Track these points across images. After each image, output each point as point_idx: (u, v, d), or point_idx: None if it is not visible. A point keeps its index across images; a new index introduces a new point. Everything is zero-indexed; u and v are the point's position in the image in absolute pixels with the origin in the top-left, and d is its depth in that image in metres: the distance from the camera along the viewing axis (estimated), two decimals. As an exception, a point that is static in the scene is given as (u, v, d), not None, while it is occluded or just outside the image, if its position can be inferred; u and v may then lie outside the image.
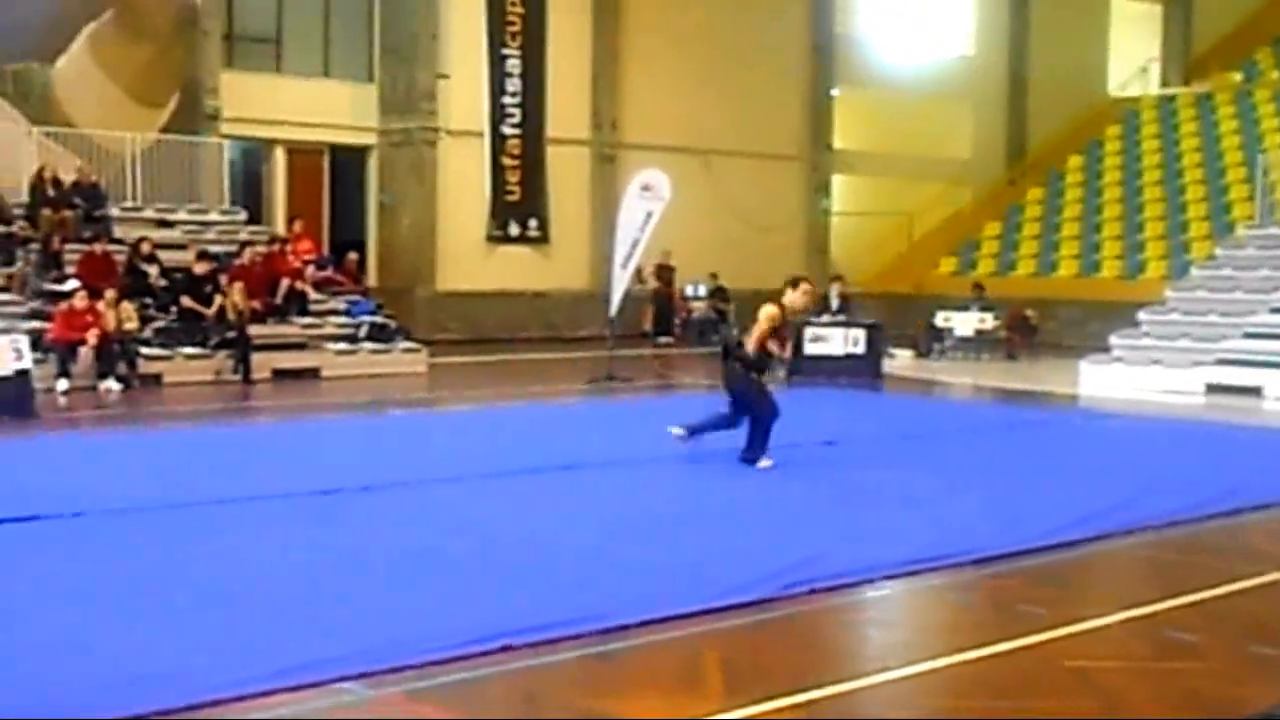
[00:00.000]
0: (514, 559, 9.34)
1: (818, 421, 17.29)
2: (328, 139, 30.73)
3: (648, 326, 32.33)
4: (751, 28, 35.72)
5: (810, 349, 23.15)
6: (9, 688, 6.54)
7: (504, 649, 7.29)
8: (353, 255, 27.14)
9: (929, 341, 28.03)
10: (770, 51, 36.41)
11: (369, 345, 23.77)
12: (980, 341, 27.76)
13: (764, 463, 13.22)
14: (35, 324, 19.98)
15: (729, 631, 7.89)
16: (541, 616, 7.77)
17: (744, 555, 9.40)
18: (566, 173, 32.80)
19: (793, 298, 13.70)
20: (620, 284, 23.09)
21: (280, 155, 30.31)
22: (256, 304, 22.49)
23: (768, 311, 13.41)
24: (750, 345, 13.38)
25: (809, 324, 23.59)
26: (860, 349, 23.35)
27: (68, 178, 23.77)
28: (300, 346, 23.03)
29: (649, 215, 22.65)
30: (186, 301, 21.95)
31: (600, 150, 33.61)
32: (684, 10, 34.61)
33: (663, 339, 31.89)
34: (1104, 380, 22.52)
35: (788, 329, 14.29)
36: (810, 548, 9.64)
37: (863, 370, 22.95)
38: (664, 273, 32.28)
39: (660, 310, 32.64)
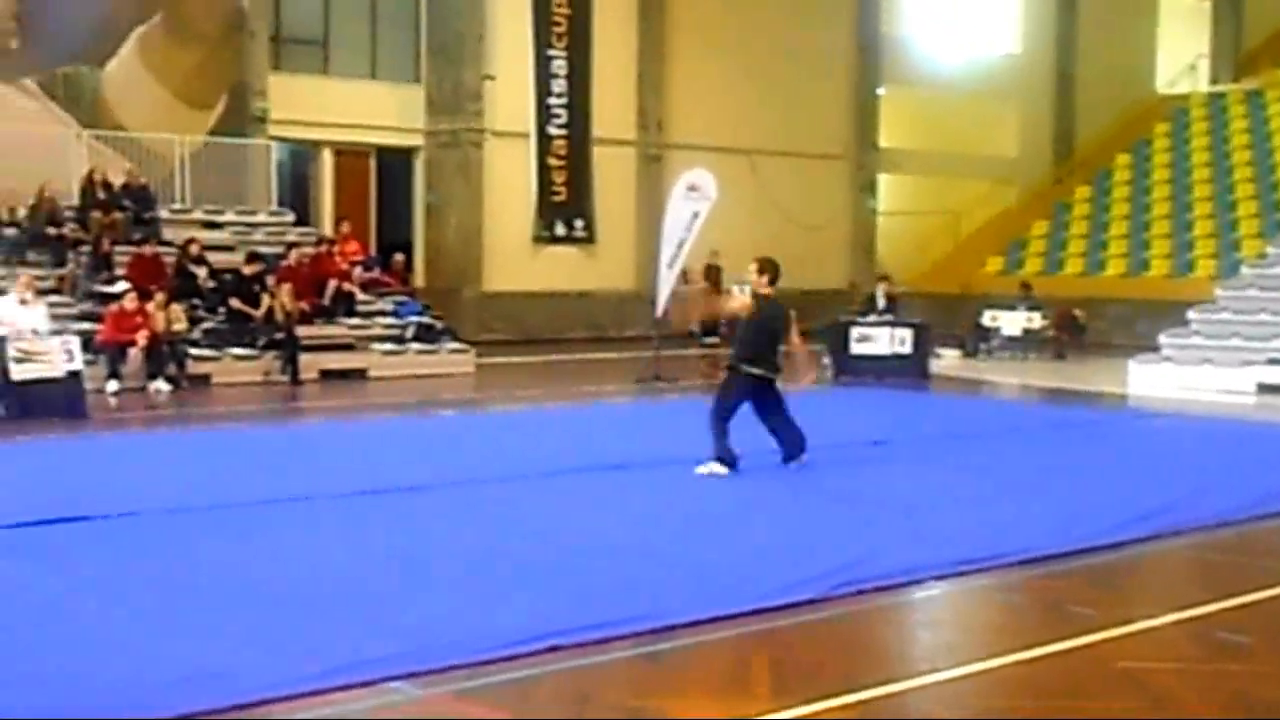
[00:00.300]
0: (562, 559, 9.35)
1: (864, 421, 17.32)
2: (375, 140, 30.85)
3: (693, 326, 32.25)
4: (797, 27, 35.68)
5: (856, 349, 23.11)
6: (60, 686, 6.60)
7: (552, 649, 7.30)
8: (399, 256, 27.23)
9: (976, 341, 27.91)
10: (816, 51, 36.35)
11: (416, 346, 23.84)
12: (1028, 341, 27.60)
13: (702, 469, 12.81)
14: (86, 325, 20.13)
15: (777, 632, 7.88)
16: (590, 617, 7.79)
17: (792, 556, 9.39)
18: (612, 173, 32.83)
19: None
20: (666, 284, 23.08)
21: (327, 157, 30.45)
22: (304, 305, 22.59)
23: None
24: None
25: (855, 323, 23.57)
26: (907, 349, 23.27)
27: (117, 180, 23.95)
28: (348, 347, 23.12)
29: (695, 215, 22.64)
30: (235, 303, 22.07)
31: (646, 150, 33.63)
32: (730, 10, 34.58)
33: (709, 339, 31.78)
34: (1153, 380, 22.36)
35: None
36: (858, 548, 9.62)
37: (909, 370, 22.87)
38: (711, 273, 32.20)
39: (715, 312, 32.48)
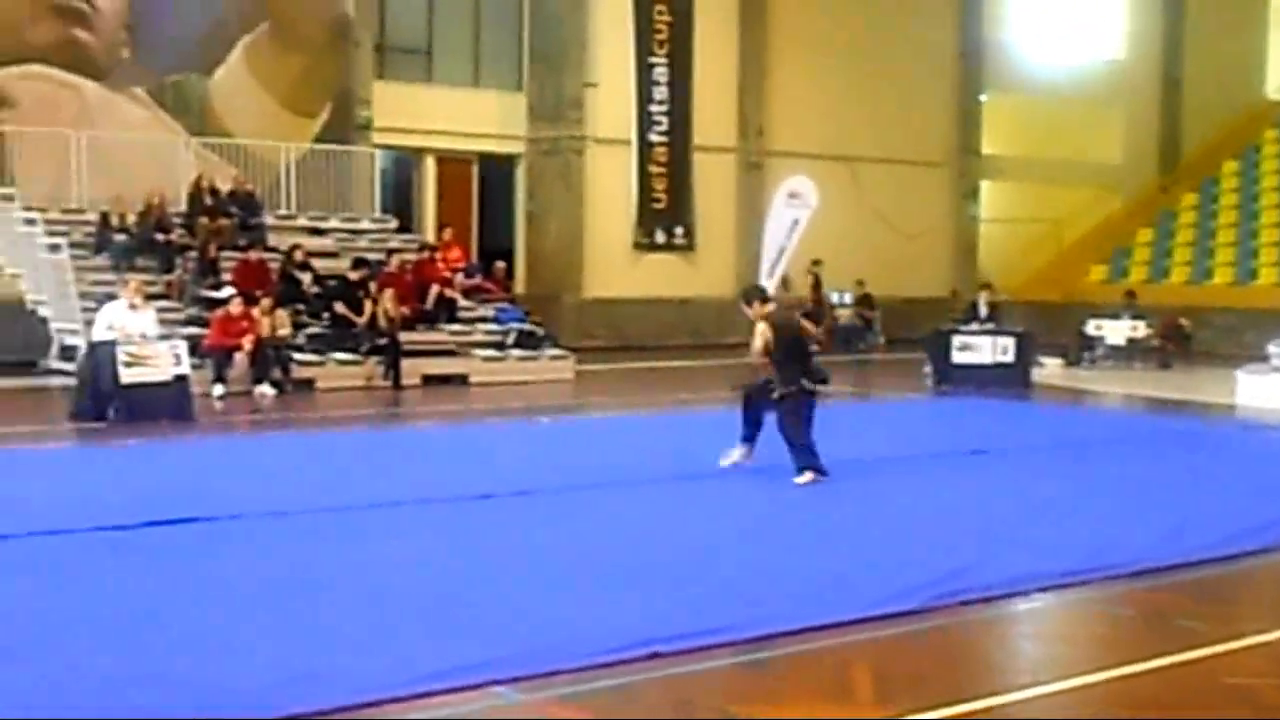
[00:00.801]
0: (664, 565, 9.36)
1: (966, 430, 17.22)
2: (477, 148, 31.10)
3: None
4: (899, 34, 35.50)
5: (958, 357, 22.93)
6: (169, 685, 6.70)
7: (654, 655, 7.31)
8: (500, 263, 27.40)
9: (1079, 350, 27.62)
10: (918, 57, 36.14)
11: (516, 352, 23.95)
12: (1132, 350, 27.29)
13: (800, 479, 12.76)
14: (193, 330, 20.44)
15: (879, 642, 7.85)
16: (692, 623, 7.79)
17: (893, 565, 9.35)
18: (712, 180, 32.85)
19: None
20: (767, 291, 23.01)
21: (430, 164, 30.73)
22: (406, 311, 22.78)
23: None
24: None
25: (957, 332, 23.41)
26: (1009, 357, 23.05)
27: (224, 187, 24.31)
28: (449, 353, 23.28)
29: (796, 222, 22.64)
30: (340, 308, 22.28)
31: (746, 158, 33.61)
32: (831, 17, 34.48)
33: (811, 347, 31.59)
34: (1262, 390, 21.95)
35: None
36: (960, 558, 9.56)
37: (1011, 379, 22.65)
38: (816, 279, 32.04)
39: (810, 317, 32.36)
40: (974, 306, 24.51)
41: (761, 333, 13.07)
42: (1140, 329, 27.34)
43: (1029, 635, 8.51)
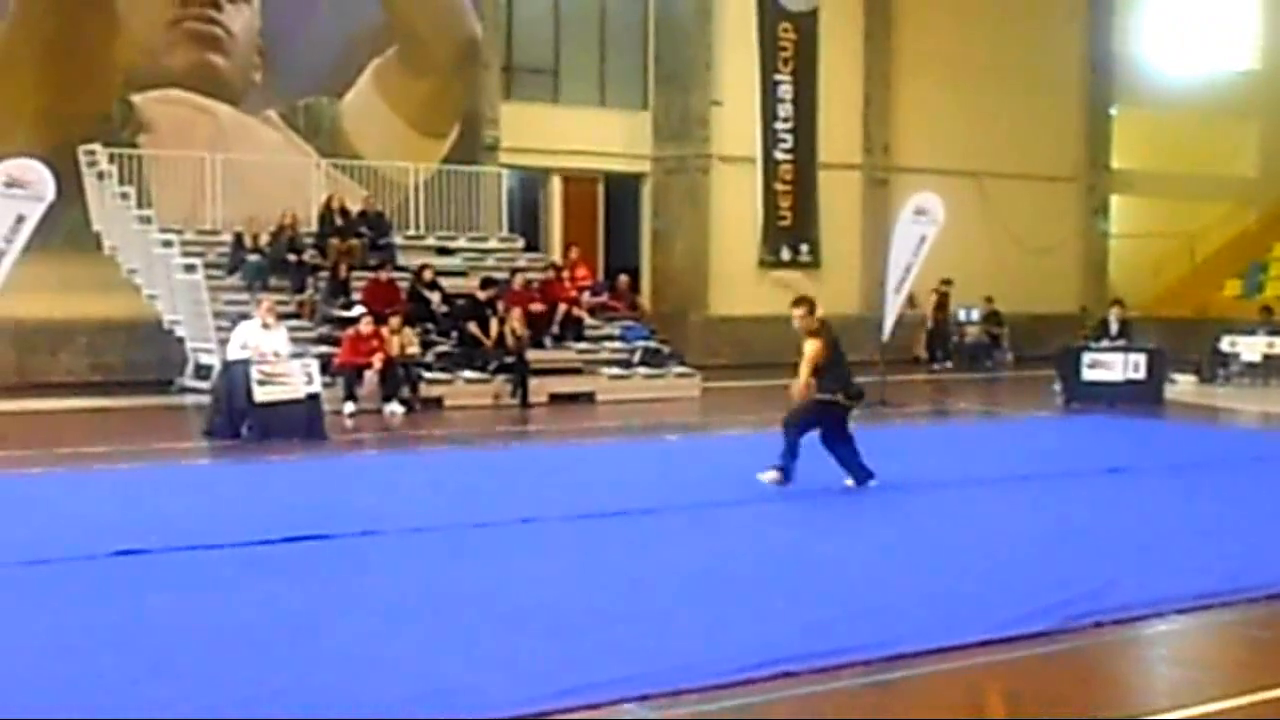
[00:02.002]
0: (794, 583, 9.35)
1: (1099, 448, 17.00)
2: (603, 167, 31.24)
3: (919, 352, 31.93)
4: (1026, 47, 35.13)
5: (1088, 375, 22.63)
6: (311, 699, 6.81)
7: (784, 675, 7.29)
8: (624, 277, 27.46)
9: (1213, 367, 27.13)
10: (1045, 71, 35.74)
11: (643, 370, 24.00)
12: (1269, 367, 26.72)
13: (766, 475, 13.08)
14: (324, 349, 20.72)
15: (1013, 663, 7.75)
16: (821, 643, 7.77)
17: (1027, 585, 9.24)
18: (838, 197, 32.72)
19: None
20: (893, 308, 22.93)
21: (557, 183, 30.90)
22: (531, 330, 22.93)
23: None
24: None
25: (1087, 349, 23.10)
26: (1141, 374, 22.69)
27: (354, 207, 24.62)
28: (576, 371, 23.38)
29: (923, 239, 22.47)
30: (472, 327, 22.45)
31: (872, 174, 33.45)
32: (956, 32, 34.23)
33: (941, 364, 31.33)
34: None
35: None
36: (1095, 578, 9.43)
37: (1143, 396, 22.31)
38: (942, 298, 31.84)
39: (933, 335, 32.18)
40: (1104, 323, 24.19)
41: (809, 356, 13.02)
42: (1277, 345, 26.79)
43: (1166, 658, 8.36)
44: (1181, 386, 25.32)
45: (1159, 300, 36.21)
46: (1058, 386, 23.32)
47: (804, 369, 13.09)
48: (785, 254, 32.18)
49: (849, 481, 13.26)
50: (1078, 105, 37.11)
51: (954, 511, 12.36)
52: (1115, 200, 38.67)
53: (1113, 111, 37.85)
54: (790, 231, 32.20)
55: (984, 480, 13.39)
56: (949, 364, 31.25)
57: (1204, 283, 37.40)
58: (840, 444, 13.33)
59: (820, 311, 13.50)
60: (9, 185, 17.93)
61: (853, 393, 13.37)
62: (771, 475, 13.09)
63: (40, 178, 18.23)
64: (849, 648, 7.71)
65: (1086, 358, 22.80)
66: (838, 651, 7.64)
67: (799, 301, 13.59)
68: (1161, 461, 16.16)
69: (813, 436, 13.34)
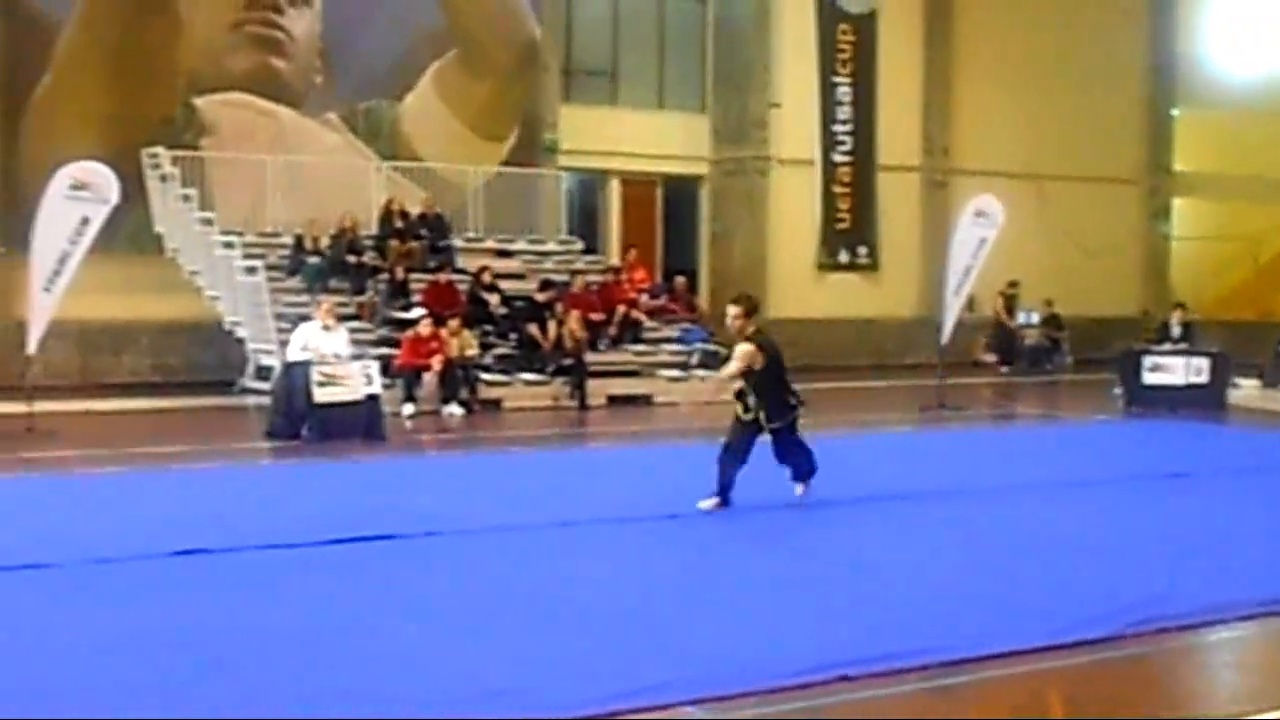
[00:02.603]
0: (852, 587, 9.34)
1: (1161, 453, 16.87)
2: (661, 169, 31.23)
3: (978, 355, 31.73)
4: (1087, 49, 34.88)
5: (1149, 379, 22.47)
6: (365, 699, 6.85)
7: (843, 679, 7.27)
8: (682, 279, 27.44)
9: (1277, 371, 26.84)
10: (1107, 72, 35.48)
11: (701, 372, 23.94)
12: (1335, 371, 26.43)
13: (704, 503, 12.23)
14: (384, 350, 20.82)
15: (1073, 669, 7.70)
16: (880, 647, 7.75)
17: (1088, 590, 9.19)
18: (897, 199, 32.63)
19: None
20: (953, 311, 22.82)
21: (615, 186, 30.94)
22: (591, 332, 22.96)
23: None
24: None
25: (1148, 352, 22.92)
26: (1203, 378, 22.50)
27: (414, 210, 24.74)
28: (634, 373, 23.41)
29: (982, 241, 22.34)
30: (531, 329, 22.51)
31: (931, 176, 33.30)
32: (1017, 33, 34.04)
33: (1005, 367, 31.07)
34: None
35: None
36: (1157, 584, 9.37)
37: (1206, 401, 22.10)
38: (1007, 301, 31.60)
39: (1000, 338, 31.91)
40: (1166, 326, 24.01)
41: (744, 354, 12.19)
42: (1342, 350, 26.48)
43: (1230, 664, 8.29)
44: (1244, 391, 25.03)
45: (1221, 303, 35.83)
46: (1118, 390, 23.15)
47: (730, 368, 12.44)
48: (844, 256, 32.11)
49: (798, 490, 12.71)
50: (1139, 107, 36.83)
51: (1014, 515, 12.29)
52: (1177, 203, 38.33)
53: (1175, 113, 37.54)
54: (849, 234, 32.13)
55: (1044, 484, 13.30)
56: (1008, 367, 31.04)
57: (1267, 286, 36.97)
58: (791, 455, 12.74)
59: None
60: (74, 188, 18.13)
61: (797, 400, 12.70)
62: (712, 502, 12.30)
63: (105, 180, 18.41)
64: (908, 652, 7.68)
65: (1147, 361, 22.64)
66: (897, 656, 7.61)
67: (738, 299, 12.62)
68: (1223, 466, 15.99)
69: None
